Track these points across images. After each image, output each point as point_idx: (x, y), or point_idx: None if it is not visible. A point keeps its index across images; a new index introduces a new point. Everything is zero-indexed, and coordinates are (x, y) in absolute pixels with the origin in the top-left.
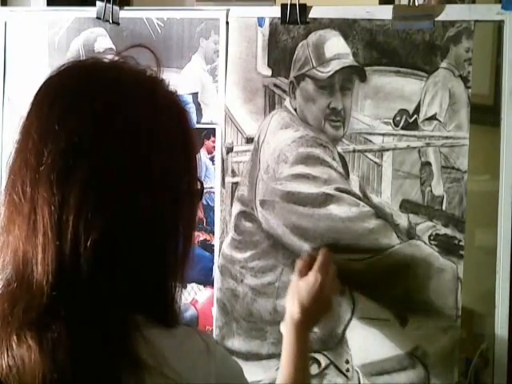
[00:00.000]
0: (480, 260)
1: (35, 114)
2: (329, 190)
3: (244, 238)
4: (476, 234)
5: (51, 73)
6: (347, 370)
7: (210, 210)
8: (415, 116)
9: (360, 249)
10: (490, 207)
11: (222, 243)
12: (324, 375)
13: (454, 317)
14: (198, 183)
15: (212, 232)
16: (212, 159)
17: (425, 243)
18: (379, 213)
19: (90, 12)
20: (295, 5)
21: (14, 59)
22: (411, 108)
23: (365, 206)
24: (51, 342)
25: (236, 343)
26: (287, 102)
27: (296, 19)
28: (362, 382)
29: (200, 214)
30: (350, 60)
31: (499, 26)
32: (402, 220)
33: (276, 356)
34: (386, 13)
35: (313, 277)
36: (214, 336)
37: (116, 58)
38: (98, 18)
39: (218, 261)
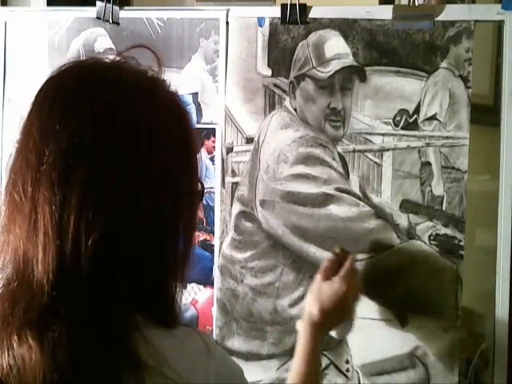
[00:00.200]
0: (480, 260)
1: (36, 113)
2: (329, 190)
3: (244, 237)
4: (476, 234)
5: (51, 73)
6: (347, 370)
7: (210, 210)
8: (415, 116)
9: (360, 249)
10: (490, 207)
11: (221, 243)
12: (324, 375)
13: (454, 317)
14: (199, 183)
15: (212, 232)
16: (212, 159)
17: (425, 243)
18: (379, 213)
19: (90, 12)
20: (295, 5)
21: (14, 59)
22: (411, 108)
23: (365, 206)
24: (52, 341)
25: (236, 343)
26: (287, 102)
27: (296, 19)
28: (361, 382)
29: (200, 214)
30: (350, 60)
31: (499, 25)
32: (402, 220)
33: (276, 356)
34: (386, 13)
35: (338, 283)
36: (214, 336)
37: (117, 58)
38: (98, 17)
39: (217, 261)
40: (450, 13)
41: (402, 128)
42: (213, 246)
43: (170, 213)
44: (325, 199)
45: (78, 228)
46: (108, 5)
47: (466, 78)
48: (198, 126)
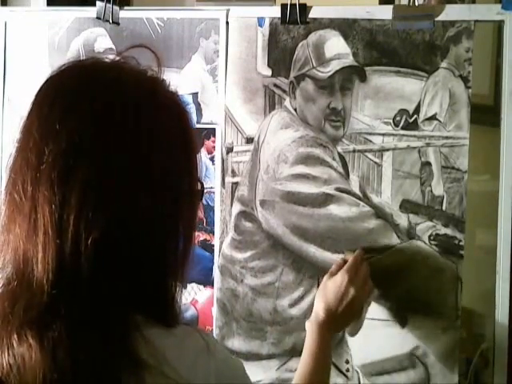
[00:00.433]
0: (480, 260)
1: (36, 113)
2: (329, 189)
3: (244, 237)
4: (476, 233)
5: (51, 73)
6: (347, 370)
7: (210, 210)
8: (415, 116)
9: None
10: (490, 207)
11: (221, 243)
12: None
13: (454, 317)
14: (199, 183)
15: (212, 232)
16: (212, 159)
17: (425, 243)
18: (379, 213)
19: (90, 12)
20: (295, 5)
21: (14, 59)
22: (411, 108)
23: (365, 206)
24: (52, 340)
25: (236, 343)
26: (287, 102)
27: (296, 19)
28: (361, 382)
29: (200, 213)
30: (350, 60)
31: (499, 25)
32: (402, 220)
33: (276, 356)
34: (386, 13)
35: (340, 277)
36: (213, 336)
37: (116, 58)
38: (98, 18)
39: (218, 261)
40: (450, 13)
41: (402, 128)
42: (213, 246)
43: (169, 213)
44: (325, 199)
45: (77, 227)
46: (108, 5)
47: (466, 78)
48: (198, 126)
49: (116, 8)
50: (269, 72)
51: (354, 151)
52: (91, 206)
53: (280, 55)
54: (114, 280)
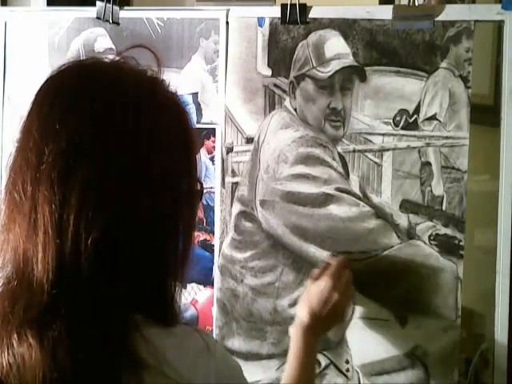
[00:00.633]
0: (480, 260)
1: (36, 113)
2: (329, 189)
3: (244, 237)
4: (476, 233)
5: (51, 73)
6: (347, 370)
7: (210, 210)
8: (415, 116)
9: (360, 249)
10: (490, 207)
11: (221, 243)
12: (324, 375)
13: (454, 317)
14: (198, 183)
15: (212, 232)
16: (212, 159)
17: (425, 243)
18: (379, 213)
19: (90, 12)
20: (295, 5)
21: (14, 59)
22: (411, 108)
23: (365, 206)
24: (51, 340)
25: (236, 343)
26: (287, 102)
27: (296, 19)
28: (361, 382)
29: (200, 213)
30: (350, 60)
31: (499, 25)
32: (402, 220)
33: (276, 356)
34: (386, 13)
35: (323, 281)
36: (213, 336)
37: (116, 58)
38: (98, 18)
39: (218, 261)
40: (450, 13)
41: (402, 128)
42: (213, 246)
43: (169, 213)
44: (325, 199)
45: (77, 227)
46: (108, 5)
47: (466, 78)
48: (198, 126)
49: (116, 8)
50: (269, 72)
51: (353, 151)
52: (91, 206)
53: (280, 55)
54: (113, 280)
